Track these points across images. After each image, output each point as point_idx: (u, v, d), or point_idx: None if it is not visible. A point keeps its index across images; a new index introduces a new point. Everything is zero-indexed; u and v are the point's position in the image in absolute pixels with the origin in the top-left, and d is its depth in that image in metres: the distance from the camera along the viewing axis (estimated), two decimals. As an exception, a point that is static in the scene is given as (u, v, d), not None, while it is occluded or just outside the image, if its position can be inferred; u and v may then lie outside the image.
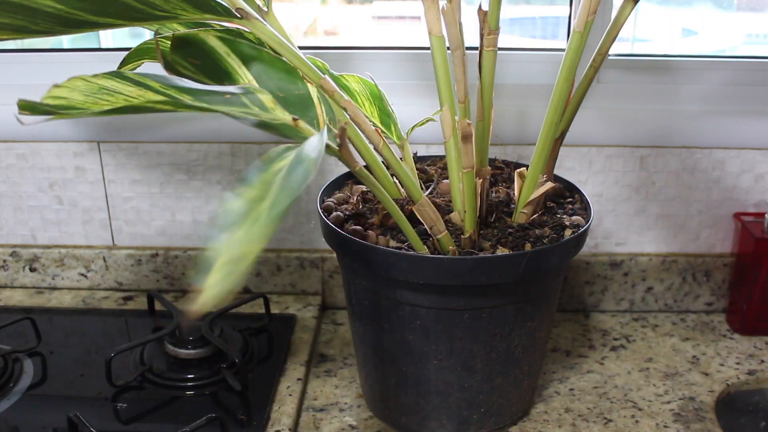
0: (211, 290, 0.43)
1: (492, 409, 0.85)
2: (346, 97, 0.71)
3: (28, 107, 0.49)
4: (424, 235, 0.78)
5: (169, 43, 0.69)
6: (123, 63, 0.79)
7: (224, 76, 0.69)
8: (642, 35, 1.22)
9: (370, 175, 0.73)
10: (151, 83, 0.54)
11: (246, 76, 0.69)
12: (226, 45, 0.70)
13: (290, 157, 0.54)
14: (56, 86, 0.52)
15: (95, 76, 0.53)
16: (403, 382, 0.84)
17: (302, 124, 0.64)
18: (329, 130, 0.66)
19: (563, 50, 0.79)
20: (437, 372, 0.81)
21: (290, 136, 0.65)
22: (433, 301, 0.70)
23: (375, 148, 0.75)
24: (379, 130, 0.75)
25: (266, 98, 0.60)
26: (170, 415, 0.89)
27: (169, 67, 0.68)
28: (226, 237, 0.46)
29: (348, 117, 0.74)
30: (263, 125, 0.63)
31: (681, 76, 1.11)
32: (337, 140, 0.66)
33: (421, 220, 0.77)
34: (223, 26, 0.78)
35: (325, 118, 0.69)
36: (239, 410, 0.89)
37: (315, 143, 0.57)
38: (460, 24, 0.77)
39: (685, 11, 1.26)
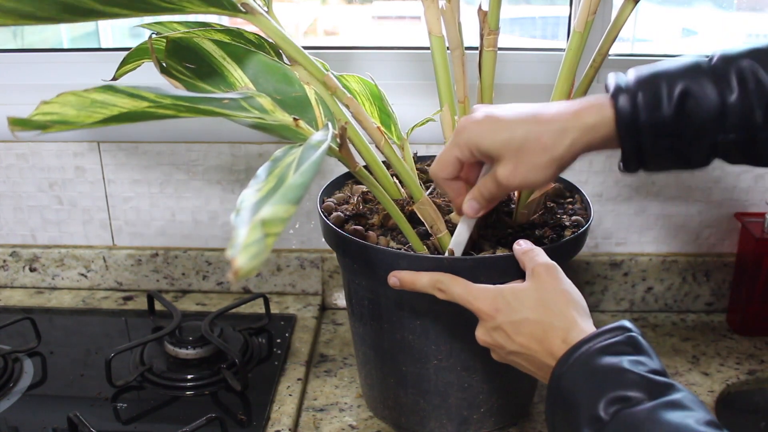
0: (248, 250, 0.41)
1: (492, 409, 0.85)
2: (348, 94, 0.72)
3: (19, 123, 0.48)
4: (424, 236, 0.78)
5: (164, 45, 0.69)
6: (123, 63, 0.79)
7: (220, 79, 0.69)
8: (642, 35, 1.22)
9: (370, 176, 0.73)
10: (146, 94, 0.53)
11: (242, 79, 0.69)
12: (221, 48, 0.70)
13: (297, 152, 0.54)
14: (45, 102, 0.51)
15: (87, 90, 0.52)
16: (403, 382, 0.84)
17: (303, 124, 0.64)
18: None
19: (563, 50, 0.79)
20: (437, 372, 0.81)
21: (289, 137, 0.65)
22: (433, 301, 0.70)
23: (376, 146, 0.75)
24: (381, 129, 0.75)
25: (265, 101, 0.60)
26: (170, 415, 0.89)
27: (164, 71, 0.68)
28: (253, 212, 0.45)
29: (349, 115, 0.74)
30: (263, 127, 0.63)
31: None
32: (338, 140, 0.66)
33: (421, 219, 0.77)
34: (223, 26, 0.78)
35: (323, 119, 0.69)
36: (239, 410, 0.89)
37: (321, 134, 0.57)
38: (459, 24, 0.77)
39: (685, 11, 1.26)
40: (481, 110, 0.66)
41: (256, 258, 0.41)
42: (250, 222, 0.44)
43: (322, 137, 0.55)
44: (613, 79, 0.62)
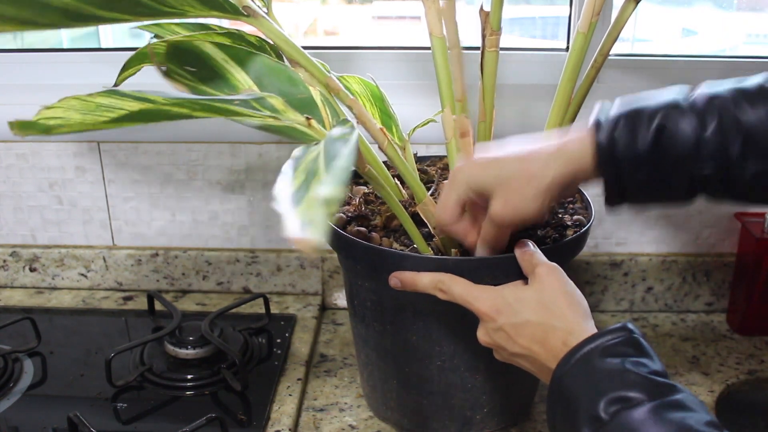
0: (317, 227, 0.43)
1: (495, 409, 0.85)
2: (350, 95, 0.71)
3: (23, 127, 0.48)
4: (427, 238, 0.78)
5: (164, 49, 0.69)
6: (124, 68, 0.79)
7: (222, 82, 0.69)
8: (642, 35, 1.22)
9: (378, 177, 0.72)
10: (153, 98, 0.53)
11: (246, 82, 0.68)
12: (222, 51, 0.69)
13: (319, 146, 0.55)
14: (47, 108, 0.50)
15: (91, 95, 0.52)
16: (406, 383, 0.84)
17: (315, 124, 0.64)
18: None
19: (563, 50, 0.79)
20: (440, 373, 0.81)
21: (299, 138, 0.64)
22: (436, 302, 0.70)
23: (380, 148, 0.75)
24: (384, 130, 0.75)
25: (277, 102, 0.60)
26: (170, 415, 0.89)
27: (166, 75, 0.67)
28: (296, 198, 0.47)
29: (352, 116, 0.73)
30: (274, 128, 0.62)
31: (681, 76, 1.11)
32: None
33: (424, 220, 0.77)
34: (224, 28, 0.78)
35: (330, 120, 0.69)
36: (239, 410, 0.89)
37: (340, 129, 0.58)
38: (456, 22, 0.77)
39: (685, 11, 1.27)
40: (476, 154, 0.69)
41: (323, 232, 0.43)
42: (307, 201, 0.46)
43: (344, 131, 0.55)
44: (596, 111, 0.65)
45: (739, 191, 0.62)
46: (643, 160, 0.61)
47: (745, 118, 0.59)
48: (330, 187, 0.47)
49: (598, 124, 0.63)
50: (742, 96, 0.60)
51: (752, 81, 0.61)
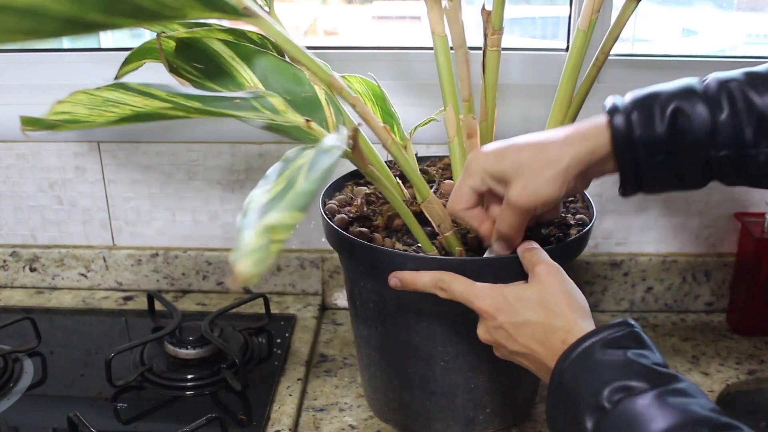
0: (252, 256, 0.41)
1: (497, 409, 0.85)
2: (353, 93, 0.71)
3: (31, 123, 0.48)
4: (430, 237, 0.78)
5: (172, 43, 0.69)
6: (125, 63, 0.79)
7: (228, 79, 0.69)
8: (642, 35, 1.22)
9: (381, 176, 0.72)
10: (157, 92, 0.53)
11: (252, 80, 0.68)
12: (230, 48, 0.69)
13: (309, 154, 0.54)
14: (59, 102, 0.50)
15: (98, 88, 0.52)
16: (409, 384, 0.83)
17: (315, 125, 0.64)
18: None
19: (563, 50, 0.79)
20: (444, 373, 0.81)
21: (300, 138, 0.64)
22: (439, 302, 0.70)
23: (384, 146, 0.75)
24: (388, 128, 0.75)
25: (277, 101, 0.60)
26: (170, 415, 0.89)
27: (173, 71, 0.68)
28: (260, 215, 0.45)
29: (355, 115, 0.73)
30: (274, 128, 0.62)
31: (681, 76, 1.11)
32: (349, 141, 0.66)
33: (428, 218, 0.77)
34: (224, 26, 0.78)
35: (334, 120, 0.69)
36: (239, 410, 0.89)
37: (333, 138, 0.57)
38: (461, 23, 0.77)
39: (685, 11, 1.27)
40: (489, 144, 0.69)
41: (259, 264, 0.41)
42: (256, 227, 0.43)
43: (335, 142, 0.55)
44: (610, 100, 0.65)
45: (753, 174, 0.63)
46: (660, 143, 0.62)
47: (758, 101, 0.60)
48: (279, 214, 0.44)
49: (613, 110, 0.63)
50: (754, 80, 0.61)
51: (763, 66, 0.62)
